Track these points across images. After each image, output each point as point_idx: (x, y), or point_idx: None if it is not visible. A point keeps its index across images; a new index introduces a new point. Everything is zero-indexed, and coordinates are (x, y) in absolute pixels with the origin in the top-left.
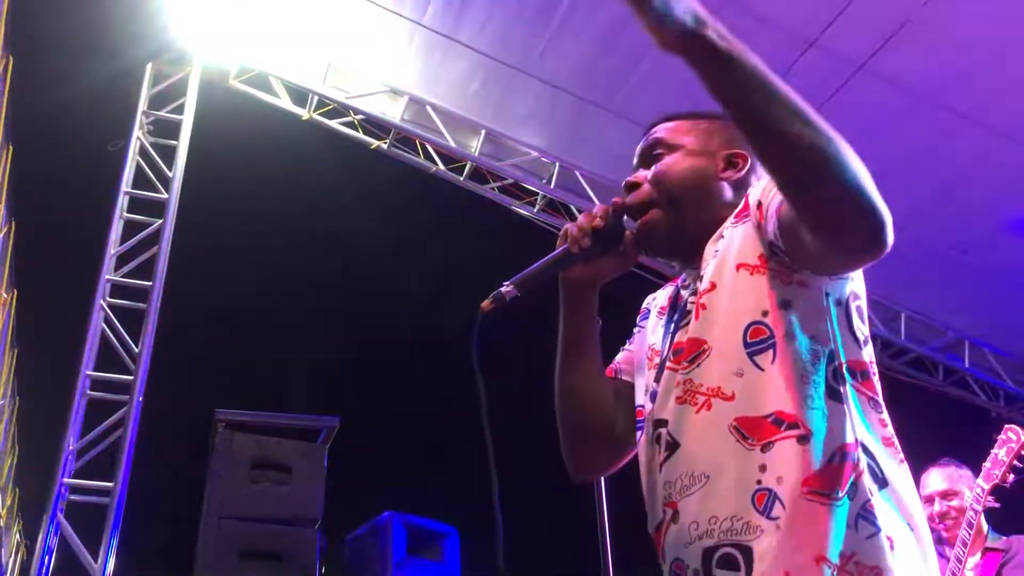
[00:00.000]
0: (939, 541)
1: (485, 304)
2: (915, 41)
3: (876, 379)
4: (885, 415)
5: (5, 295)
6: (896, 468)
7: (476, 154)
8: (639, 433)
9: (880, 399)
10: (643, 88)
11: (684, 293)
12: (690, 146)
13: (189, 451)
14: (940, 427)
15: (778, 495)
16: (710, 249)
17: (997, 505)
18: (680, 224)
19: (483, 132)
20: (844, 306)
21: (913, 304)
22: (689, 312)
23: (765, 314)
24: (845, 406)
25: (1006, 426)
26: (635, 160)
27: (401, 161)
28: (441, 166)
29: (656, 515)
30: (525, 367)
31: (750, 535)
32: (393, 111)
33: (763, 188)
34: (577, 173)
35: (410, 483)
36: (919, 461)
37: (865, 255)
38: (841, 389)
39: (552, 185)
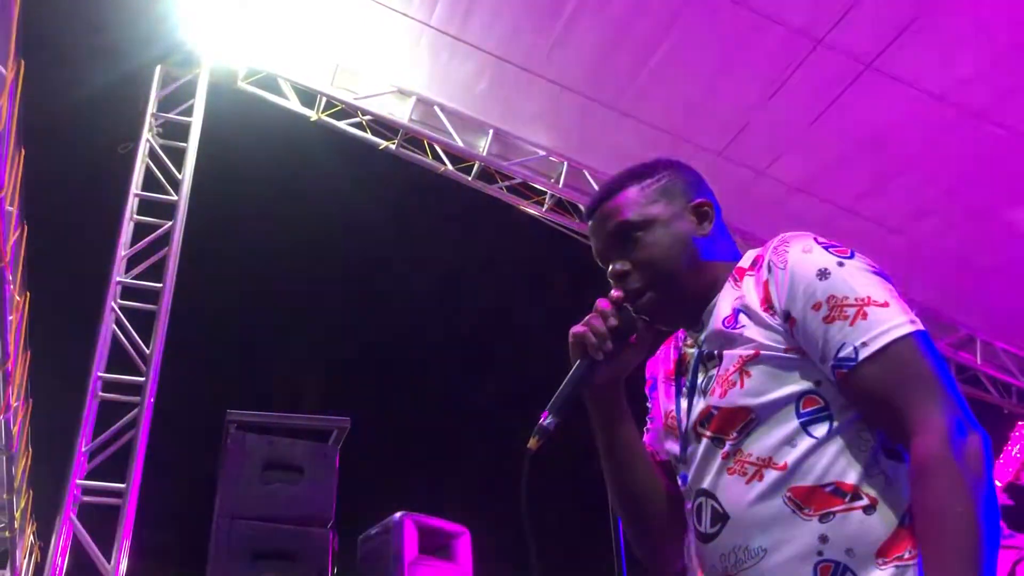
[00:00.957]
0: None
1: (532, 443)
2: (923, 40)
3: None
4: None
5: (19, 298)
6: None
7: (484, 154)
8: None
9: None
10: (650, 87)
11: (690, 353)
12: (661, 216)
13: (200, 452)
14: None
15: (850, 567)
16: (714, 316)
17: (1011, 503)
18: (679, 296)
19: (491, 132)
20: None
21: (924, 301)
22: (713, 376)
23: (818, 384)
24: (906, 463)
25: (1020, 423)
26: (598, 244)
27: (410, 162)
28: (449, 166)
29: None
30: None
31: None
32: (401, 111)
33: (787, 293)
34: (585, 172)
35: (421, 483)
36: None
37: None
38: (898, 447)
39: (560, 184)
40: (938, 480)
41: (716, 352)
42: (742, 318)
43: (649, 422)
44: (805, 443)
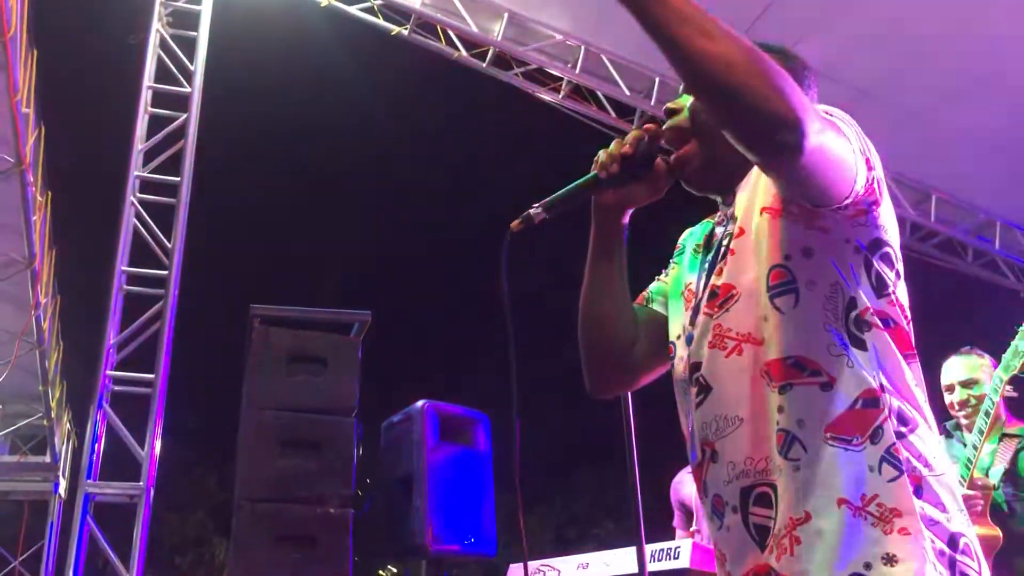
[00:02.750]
0: (956, 428)
1: (514, 224)
2: None
3: (907, 324)
4: (914, 358)
5: (40, 198)
6: (921, 411)
7: (499, 39)
8: (674, 366)
9: (911, 342)
10: None
11: (719, 231)
12: None
13: (225, 343)
14: (968, 310)
15: (798, 438)
16: (751, 184)
17: (1015, 395)
18: (714, 157)
19: (506, 15)
20: (868, 252)
21: (944, 185)
22: (723, 254)
23: (787, 258)
24: (869, 354)
25: None
26: (682, 85)
27: (422, 48)
28: (463, 52)
29: (695, 454)
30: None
31: (774, 475)
32: None
33: None
34: (603, 57)
35: (440, 372)
36: (946, 344)
37: (778, 157)
38: (864, 336)
39: (577, 70)
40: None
41: (741, 227)
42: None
43: (662, 273)
44: (774, 317)
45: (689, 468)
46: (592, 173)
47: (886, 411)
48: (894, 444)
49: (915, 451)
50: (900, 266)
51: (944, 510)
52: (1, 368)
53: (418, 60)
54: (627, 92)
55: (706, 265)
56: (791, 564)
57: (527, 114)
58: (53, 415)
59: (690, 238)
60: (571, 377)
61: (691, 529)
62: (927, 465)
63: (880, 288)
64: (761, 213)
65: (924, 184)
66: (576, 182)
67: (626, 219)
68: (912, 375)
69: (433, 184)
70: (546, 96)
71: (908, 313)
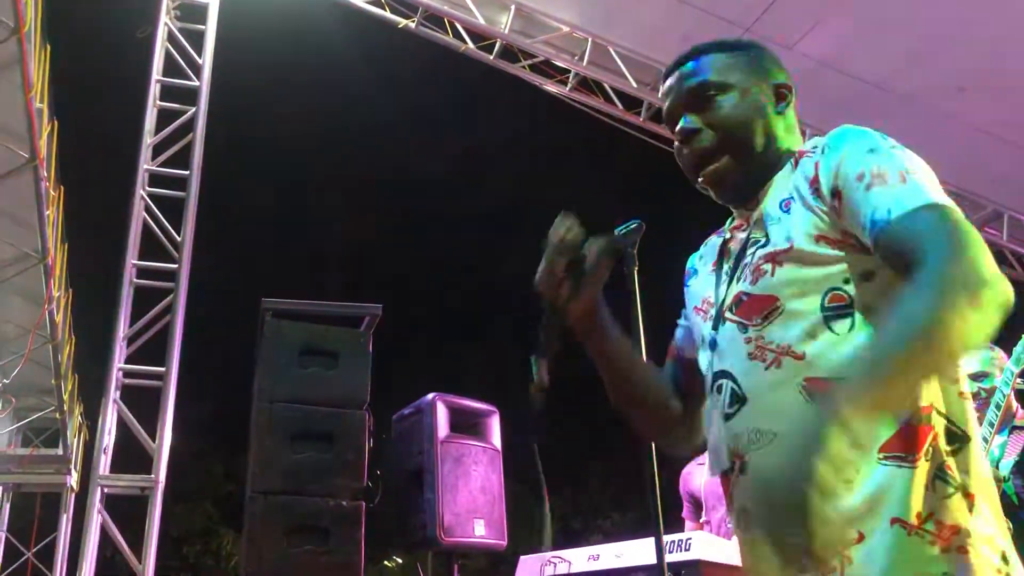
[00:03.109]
0: None
1: (535, 395)
2: None
3: None
4: (960, 372)
5: (53, 192)
6: (968, 426)
7: (506, 31)
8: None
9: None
10: None
11: (739, 236)
12: (741, 84)
13: (235, 336)
14: None
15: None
16: (770, 195)
17: None
18: (747, 168)
19: (513, 7)
20: None
21: (951, 178)
22: (748, 263)
23: (847, 282)
24: None
25: None
26: (671, 101)
27: (430, 40)
28: (470, 44)
29: (722, 462)
30: None
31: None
32: None
33: (836, 170)
34: (610, 49)
35: (449, 365)
36: None
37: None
38: None
39: (584, 63)
40: (927, 289)
41: (766, 232)
42: (795, 201)
43: (681, 318)
44: (825, 337)
45: (699, 460)
46: (550, 306)
47: (937, 428)
48: (945, 461)
49: (966, 467)
50: None
51: (995, 526)
52: (15, 362)
53: (426, 51)
54: (634, 84)
55: (727, 275)
56: None
57: (535, 104)
58: (66, 408)
59: (700, 261)
60: (580, 368)
61: (700, 520)
62: (978, 481)
63: None
64: (817, 241)
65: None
66: (544, 321)
67: (603, 307)
68: (961, 386)
69: (440, 174)
70: (553, 88)
71: None
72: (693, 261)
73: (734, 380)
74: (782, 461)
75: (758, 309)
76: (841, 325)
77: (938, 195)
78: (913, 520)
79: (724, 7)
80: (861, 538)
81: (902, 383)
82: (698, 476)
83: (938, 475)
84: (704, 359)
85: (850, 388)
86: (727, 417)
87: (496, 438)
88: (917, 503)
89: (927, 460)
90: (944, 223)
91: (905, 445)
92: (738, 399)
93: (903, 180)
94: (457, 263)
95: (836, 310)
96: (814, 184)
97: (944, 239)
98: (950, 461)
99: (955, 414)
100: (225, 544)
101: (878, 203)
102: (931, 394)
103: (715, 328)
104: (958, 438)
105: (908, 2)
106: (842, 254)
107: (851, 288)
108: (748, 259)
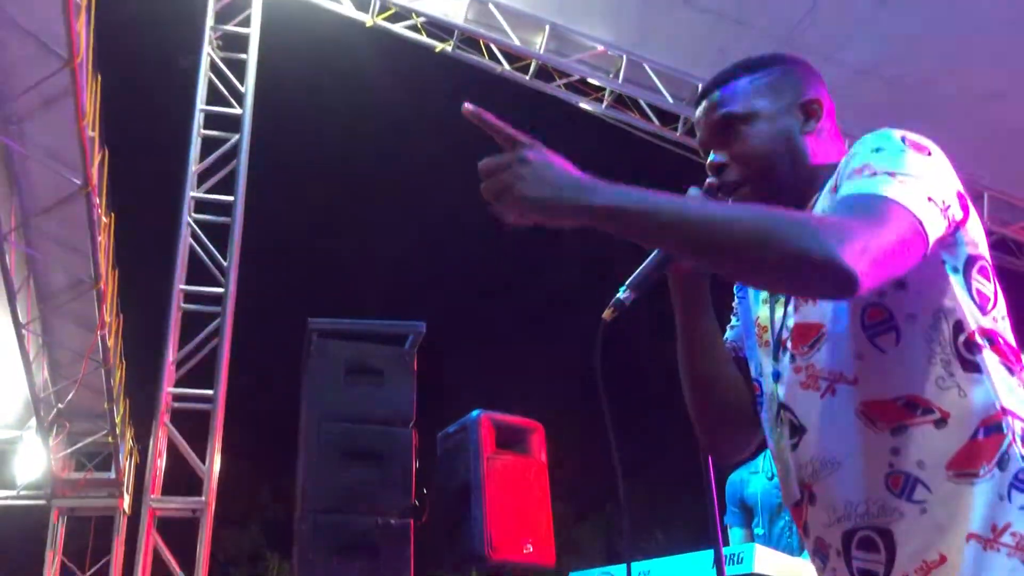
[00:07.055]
0: None
1: (607, 314)
2: None
3: (1010, 335)
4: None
5: (105, 219)
6: None
7: (541, 51)
8: (760, 410)
9: (1020, 354)
10: None
11: None
12: (765, 111)
13: (279, 357)
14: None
15: (920, 479)
16: (815, 210)
17: None
18: (774, 193)
19: (547, 27)
20: (965, 271)
21: (997, 183)
22: None
23: (882, 295)
24: (984, 375)
25: None
26: (700, 135)
27: (466, 63)
28: (506, 66)
29: (792, 494)
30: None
31: (887, 518)
32: (456, 11)
33: (842, 173)
34: (645, 66)
35: (494, 382)
36: None
37: (841, 295)
38: (977, 359)
39: (620, 80)
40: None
41: None
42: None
43: (733, 318)
44: (873, 356)
45: (751, 468)
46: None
47: (1011, 435)
48: (1022, 469)
49: None
50: (993, 282)
51: None
52: (68, 387)
53: (462, 74)
54: (670, 100)
55: (775, 300)
56: None
57: (572, 122)
58: (118, 432)
59: None
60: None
61: (751, 529)
62: None
63: (983, 305)
64: None
65: (976, 182)
66: (655, 254)
67: (707, 281)
68: None
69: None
70: (588, 106)
71: (1007, 323)
72: None
73: (791, 412)
74: (848, 492)
75: (806, 337)
76: (886, 341)
77: (910, 198)
78: (989, 533)
79: (760, 19)
80: (943, 560)
81: (657, 227)
82: (753, 484)
83: (1014, 484)
84: (767, 388)
85: (606, 187)
86: (792, 448)
87: (542, 454)
88: (993, 515)
89: (1002, 470)
90: (877, 211)
91: (977, 458)
92: (796, 430)
93: (889, 176)
94: (499, 280)
95: (877, 326)
96: (833, 193)
97: (861, 214)
98: None
99: None
100: (271, 568)
101: (846, 191)
102: (1004, 399)
103: (775, 358)
104: None
105: (943, 10)
106: None
107: (887, 300)
108: None
